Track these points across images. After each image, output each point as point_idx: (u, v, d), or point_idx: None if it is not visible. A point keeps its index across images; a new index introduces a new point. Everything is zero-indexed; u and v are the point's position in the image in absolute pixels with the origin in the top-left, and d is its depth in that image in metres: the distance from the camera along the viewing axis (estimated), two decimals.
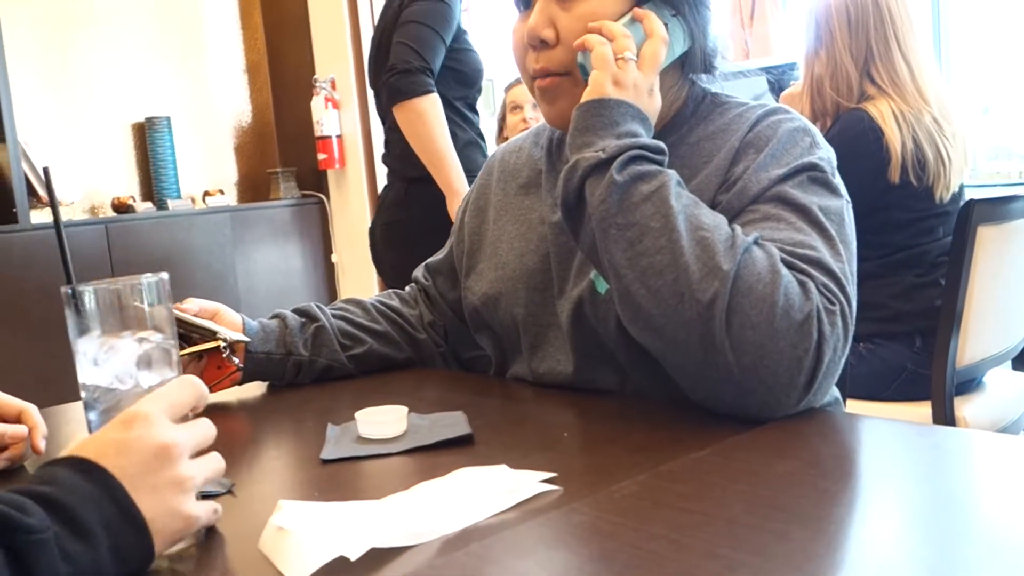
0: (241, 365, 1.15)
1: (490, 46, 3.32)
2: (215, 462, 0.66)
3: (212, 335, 1.12)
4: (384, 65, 2.37)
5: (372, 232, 2.55)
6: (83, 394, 0.75)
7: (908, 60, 1.96)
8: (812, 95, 2.03)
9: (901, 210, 1.97)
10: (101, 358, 0.72)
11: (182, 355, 1.10)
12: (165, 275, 0.76)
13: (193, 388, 0.67)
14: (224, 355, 1.13)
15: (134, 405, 0.63)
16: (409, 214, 2.37)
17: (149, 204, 3.84)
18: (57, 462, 0.59)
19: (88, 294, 0.73)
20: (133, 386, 0.72)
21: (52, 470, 0.58)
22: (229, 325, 1.16)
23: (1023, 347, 2.10)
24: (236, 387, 1.19)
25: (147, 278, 0.74)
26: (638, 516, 0.64)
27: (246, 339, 1.16)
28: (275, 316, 1.23)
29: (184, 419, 0.66)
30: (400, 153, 2.41)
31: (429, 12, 2.26)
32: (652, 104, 0.96)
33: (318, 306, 1.24)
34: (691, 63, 1.04)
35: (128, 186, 3.94)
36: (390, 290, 1.34)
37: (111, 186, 3.88)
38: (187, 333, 1.12)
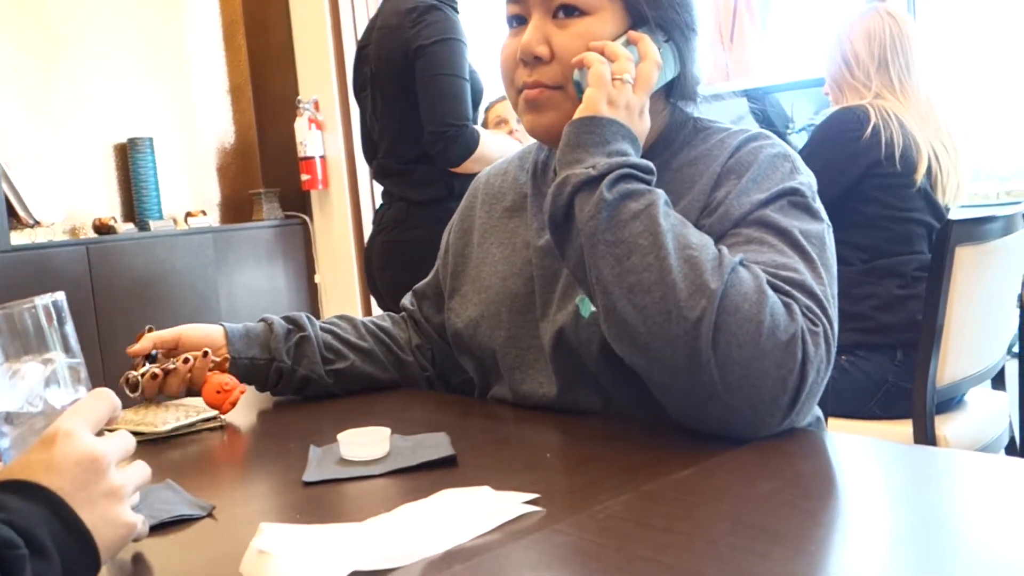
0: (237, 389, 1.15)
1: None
2: (142, 470, 0.68)
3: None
4: (371, 74, 2.39)
5: (368, 251, 2.55)
6: None
7: (919, 75, 2.11)
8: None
9: (875, 204, 2.04)
10: (7, 384, 0.71)
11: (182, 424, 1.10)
12: (61, 295, 0.75)
13: (107, 400, 0.68)
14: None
15: (53, 423, 0.63)
16: (409, 235, 2.38)
17: (131, 225, 3.82)
18: None
19: None
20: (44, 408, 0.71)
21: None
22: (199, 339, 1.18)
23: (1002, 366, 2.12)
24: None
25: (41, 299, 0.72)
26: (621, 537, 0.64)
27: (212, 415, 1.14)
28: (263, 320, 1.23)
29: (101, 433, 0.67)
30: (400, 176, 2.42)
31: (450, 59, 2.26)
32: (642, 125, 0.97)
33: (308, 317, 1.24)
34: (678, 89, 1.06)
35: (110, 207, 3.92)
36: (385, 313, 1.34)
37: (92, 207, 3.85)
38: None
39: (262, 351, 1.19)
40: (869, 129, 1.99)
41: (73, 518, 0.59)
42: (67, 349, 0.73)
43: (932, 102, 2.09)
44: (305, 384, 1.20)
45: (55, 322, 0.73)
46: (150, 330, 1.19)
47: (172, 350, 1.18)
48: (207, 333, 1.18)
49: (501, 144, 2.39)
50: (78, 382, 0.73)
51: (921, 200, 2.05)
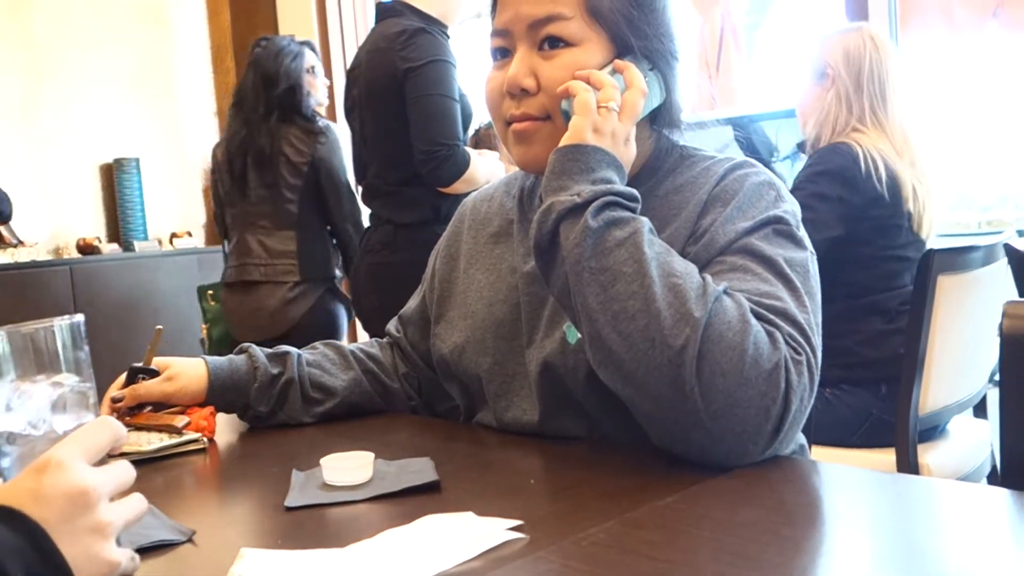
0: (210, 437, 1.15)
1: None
2: (136, 504, 0.65)
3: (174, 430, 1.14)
4: (360, 96, 2.41)
5: (355, 274, 2.55)
6: None
7: (894, 105, 2.07)
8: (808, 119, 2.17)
9: (869, 246, 2.03)
10: (14, 403, 0.70)
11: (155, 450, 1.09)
12: (80, 317, 0.74)
13: (109, 429, 0.65)
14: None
15: (48, 450, 0.62)
16: (397, 258, 2.38)
17: (115, 245, 3.81)
18: None
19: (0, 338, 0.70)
20: (47, 431, 0.70)
21: None
22: (185, 388, 1.17)
23: (984, 395, 2.13)
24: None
25: (60, 321, 0.72)
26: (604, 564, 0.64)
27: (197, 437, 1.13)
28: (250, 357, 1.22)
29: (102, 462, 0.64)
30: (388, 197, 2.42)
31: (440, 80, 2.28)
32: (627, 153, 0.98)
33: (297, 355, 1.23)
34: (663, 117, 1.07)
35: (94, 227, 3.90)
36: (372, 339, 1.34)
37: (77, 227, 3.84)
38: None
39: (239, 396, 1.19)
40: (863, 167, 1.96)
41: (53, 551, 0.57)
42: (80, 373, 0.73)
43: (907, 134, 2.06)
44: (283, 424, 1.21)
45: (71, 345, 0.72)
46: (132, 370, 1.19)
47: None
48: (187, 381, 1.18)
49: (490, 165, 2.40)
50: (85, 408, 0.73)
51: (906, 235, 2.06)
